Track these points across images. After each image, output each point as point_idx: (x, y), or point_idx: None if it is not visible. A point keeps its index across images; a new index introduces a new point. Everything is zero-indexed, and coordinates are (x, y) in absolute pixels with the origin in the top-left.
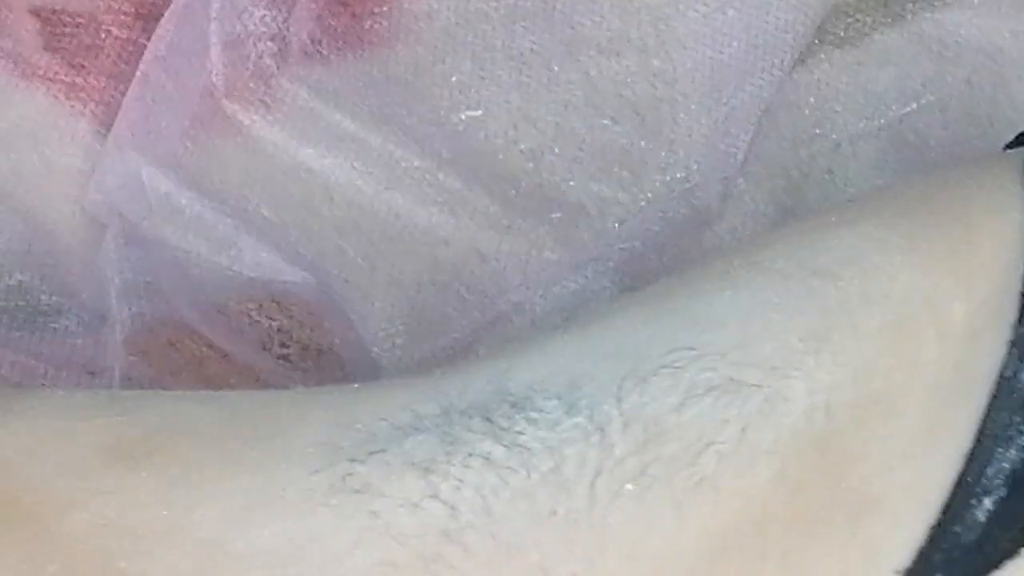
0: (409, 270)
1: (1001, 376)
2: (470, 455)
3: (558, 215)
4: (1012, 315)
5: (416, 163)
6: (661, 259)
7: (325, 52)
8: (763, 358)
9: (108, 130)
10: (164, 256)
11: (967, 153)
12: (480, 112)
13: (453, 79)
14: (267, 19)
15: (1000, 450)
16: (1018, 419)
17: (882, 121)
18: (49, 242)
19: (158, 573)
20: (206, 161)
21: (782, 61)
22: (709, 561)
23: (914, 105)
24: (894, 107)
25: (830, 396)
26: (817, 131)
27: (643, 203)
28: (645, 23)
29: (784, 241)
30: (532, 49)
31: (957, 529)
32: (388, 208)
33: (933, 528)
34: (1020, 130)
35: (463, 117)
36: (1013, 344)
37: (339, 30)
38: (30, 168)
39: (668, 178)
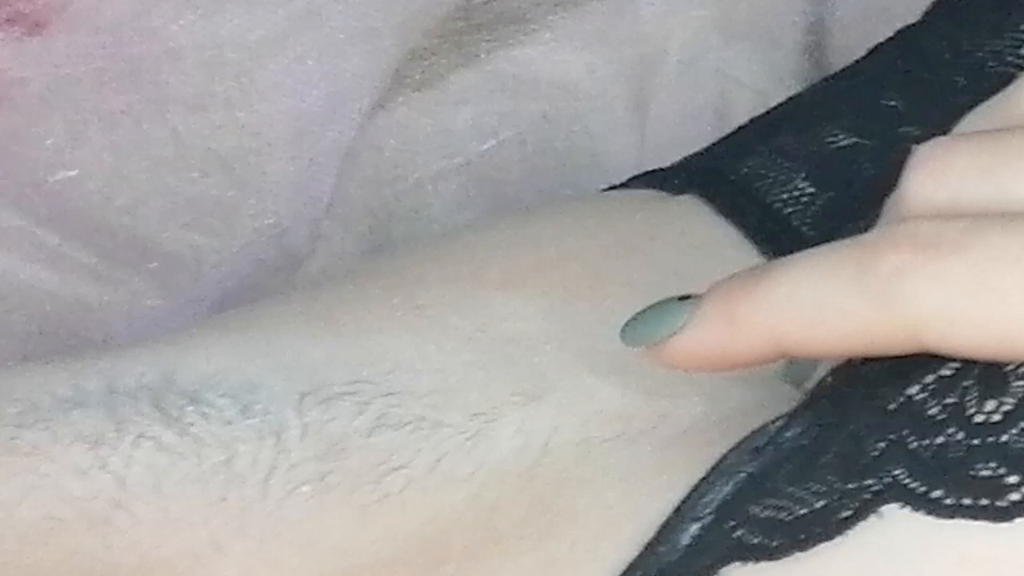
0: (19, 323)
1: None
2: (140, 436)
3: (155, 264)
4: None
5: (16, 223)
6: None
7: None
8: (466, 405)
9: None
10: None
11: (547, 186)
12: (75, 172)
13: (48, 142)
14: None
15: (719, 484)
16: (747, 458)
17: (462, 159)
18: None
19: None
20: None
21: (361, 106)
22: (388, 562)
23: (493, 142)
24: (473, 144)
25: (550, 437)
26: (399, 171)
27: (235, 249)
28: (229, 78)
29: (442, 289)
30: (122, 110)
31: (661, 550)
32: None
33: (641, 549)
34: (597, 160)
35: (59, 177)
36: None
37: None
38: None
39: (259, 224)
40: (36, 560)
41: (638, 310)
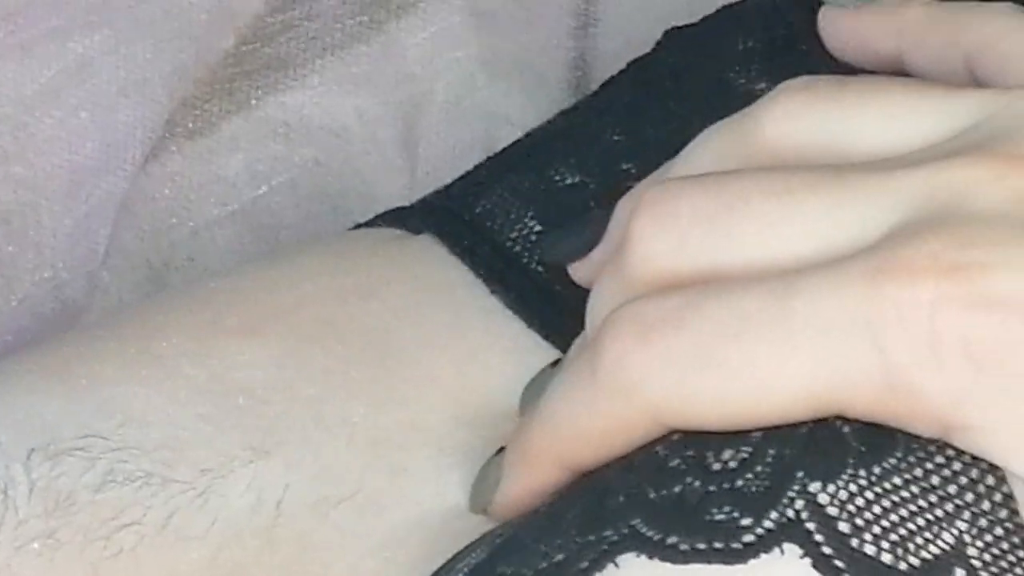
0: None
1: None
2: None
3: None
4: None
5: None
6: None
7: None
8: (195, 460)
9: None
10: None
11: (321, 230)
12: None
13: None
14: None
15: (476, 551)
16: (499, 531)
17: (236, 205)
18: None
19: None
20: None
21: (134, 156)
22: None
23: (266, 187)
24: (246, 191)
25: (284, 494)
26: (174, 220)
27: (14, 303)
28: (4, 132)
29: (180, 338)
30: None
31: None
32: None
33: None
34: (370, 203)
35: None
36: None
37: None
38: None
39: (36, 278)
40: None
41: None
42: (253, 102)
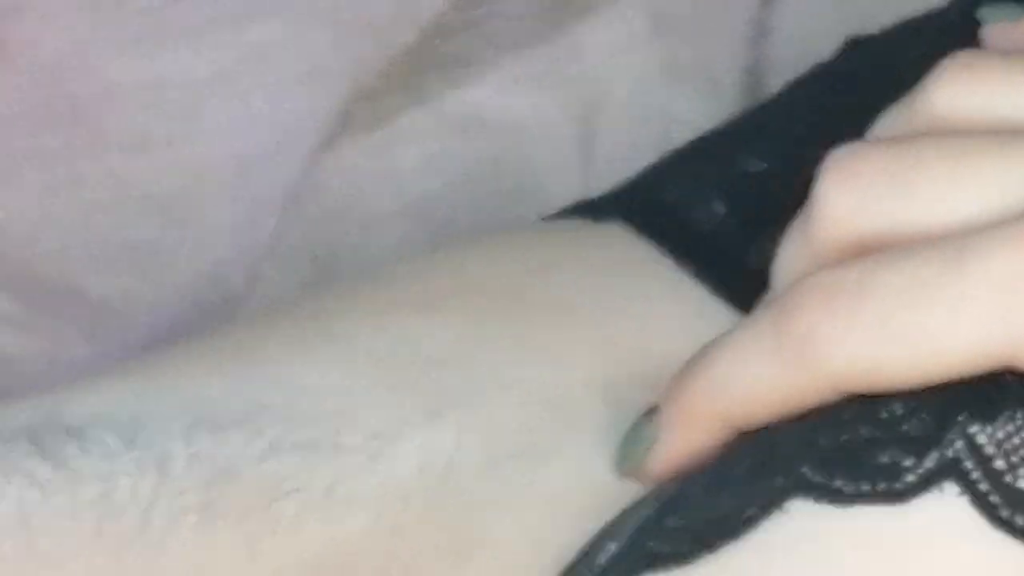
0: None
1: None
2: (13, 471)
3: (83, 311)
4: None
5: None
6: None
7: None
8: (366, 426)
9: None
10: None
11: (493, 226)
12: (1, 214)
13: None
14: None
15: (644, 507)
16: (667, 487)
17: (408, 199)
18: None
19: None
20: None
21: (306, 147)
22: None
23: (439, 182)
24: (420, 184)
25: (453, 455)
26: (344, 212)
27: (171, 293)
28: (171, 117)
29: (357, 317)
30: (57, 149)
31: (578, 569)
32: None
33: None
34: (543, 200)
35: None
36: None
37: None
38: None
39: (196, 267)
40: None
41: (620, 440)
42: (432, 97)
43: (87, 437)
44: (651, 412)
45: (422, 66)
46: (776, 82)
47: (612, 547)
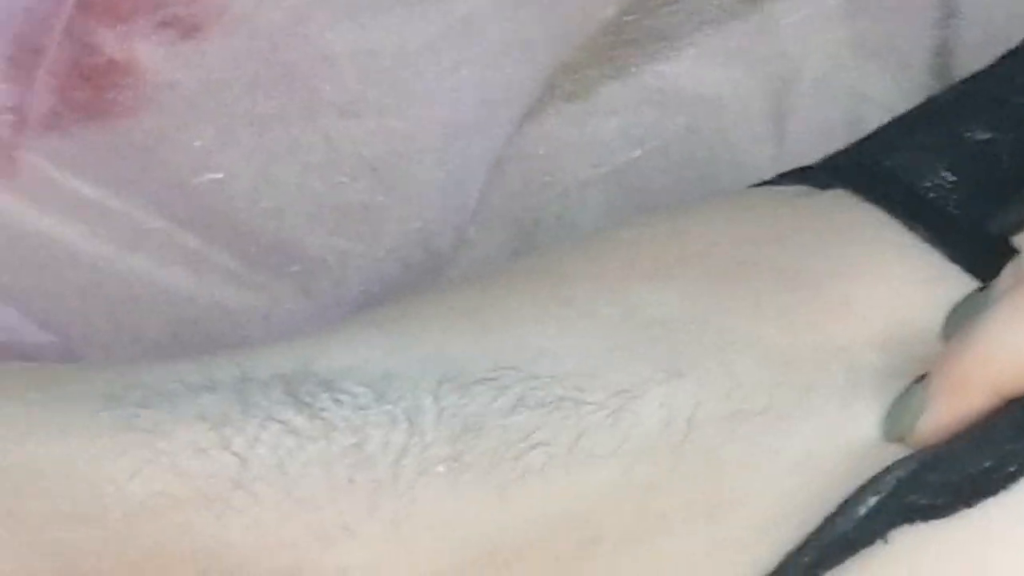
0: (152, 328)
1: None
2: (268, 419)
3: (297, 268)
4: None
5: (157, 225)
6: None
7: (66, 123)
8: (608, 383)
9: None
10: None
11: (689, 195)
12: (222, 175)
13: (196, 144)
14: (5, 93)
15: (906, 463)
16: (926, 449)
17: (608, 168)
18: None
19: None
20: None
21: (511, 115)
22: (533, 543)
23: (638, 151)
24: (619, 154)
25: (695, 412)
26: (547, 179)
27: (381, 253)
28: (383, 85)
29: (590, 283)
30: (273, 114)
31: (837, 521)
32: (130, 270)
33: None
34: (737, 172)
35: (205, 180)
36: None
37: (81, 101)
38: None
39: (405, 228)
40: (145, 536)
41: (889, 406)
42: (631, 69)
43: (339, 389)
44: (921, 380)
45: (622, 40)
46: (965, 63)
47: (872, 500)
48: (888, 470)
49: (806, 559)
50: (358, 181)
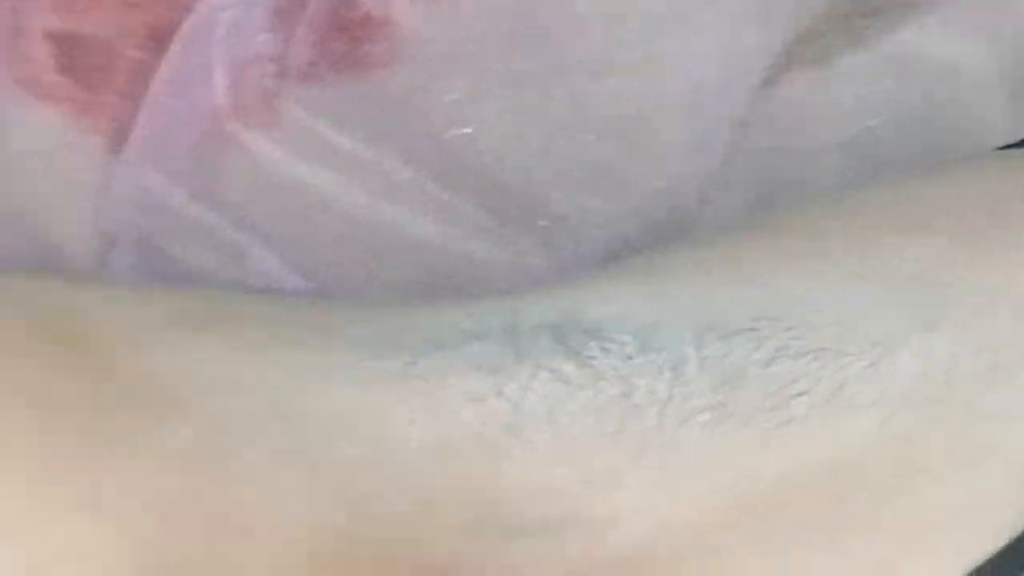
0: (403, 277)
1: None
2: (538, 367)
3: (543, 224)
4: None
5: (409, 176)
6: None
7: (324, 74)
8: (865, 335)
9: (120, 147)
10: (174, 268)
11: (925, 163)
12: (471, 130)
13: (447, 99)
14: (268, 43)
15: None
16: None
17: (845, 135)
18: (60, 259)
19: (211, 416)
20: (211, 177)
21: (753, 81)
22: (794, 489)
23: (875, 120)
24: (857, 121)
25: (952, 364)
26: (787, 144)
27: (624, 211)
28: (630, 47)
29: (842, 237)
30: (525, 72)
31: None
32: (382, 220)
33: None
34: (974, 141)
35: (455, 134)
36: None
37: (338, 53)
38: (43, 187)
39: (648, 188)
40: (425, 482)
41: None
42: (871, 38)
43: (606, 337)
44: None
45: (862, 11)
46: None
47: None
48: None
49: None
50: (604, 140)
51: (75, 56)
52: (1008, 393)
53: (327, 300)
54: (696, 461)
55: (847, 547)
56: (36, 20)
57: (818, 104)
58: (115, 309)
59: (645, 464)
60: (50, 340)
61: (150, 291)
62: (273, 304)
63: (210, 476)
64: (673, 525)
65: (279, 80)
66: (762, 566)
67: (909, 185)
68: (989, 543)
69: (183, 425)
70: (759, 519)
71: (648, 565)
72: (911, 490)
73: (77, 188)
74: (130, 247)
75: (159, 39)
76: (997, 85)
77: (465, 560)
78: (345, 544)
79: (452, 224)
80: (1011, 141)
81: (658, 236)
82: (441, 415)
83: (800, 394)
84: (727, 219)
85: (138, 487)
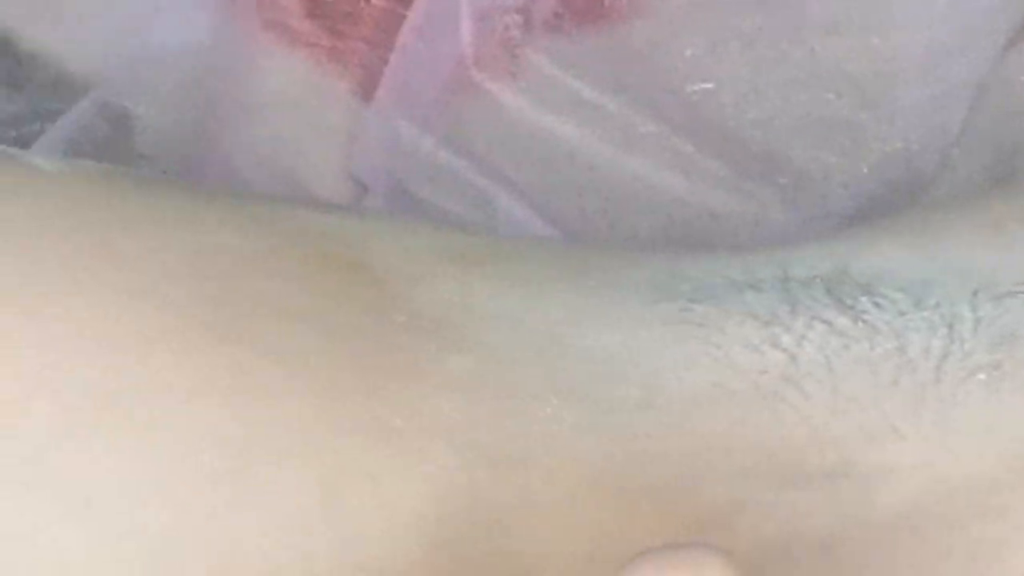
0: (644, 227)
1: None
2: (813, 318)
3: (784, 179)
4: None
5: (651, 129)
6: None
7: (567, 25)
8: None
9: (367, 92)
10: (423, 214)
11: None
12: (712, 85)
13: (687, 53)
14: None
15: None
16: None
17: None
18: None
19: (492, 347)
20: (457, 125)
21: (994, 42)
22: None
23: None
24: None
25: None
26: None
27: (864, 170)
28: (866, 5)
29: None
30: (761, 28)
31: None
32: (624, 170)
33: None
34: None
35: (696, 88)
36: None
37: (580, 6)
38: (292, 131)
39: (887, 148)
40: (702, 426)
41: None
42: None
43: (878, 293)
44: None
45: None
46: None
47: None
48: None
49: None
50: (842, 98)
51: (323, 2)
52: None
53: (597, 245)
54: (974, 419)
55: None
56: None
57: None
58: (389, 241)
59: (923, 418)
60: (330, 269)
61: (418, 227)
62: (543, 247)
63: (492, 405)
64: (952, 481)
65: (524, 31)
66: None
67: None
68: None
69: (464, 355)
70: None
71: (923, 524)
72: None
73: (328, 134)
74: (382, 193)
75: None
76: None
77: (746, 505)
78: (625, 483)
79: (694, 177)
80: None
81: (898, 196)
82: (719, 361)
83: None
84: (966, 181)
85: (422, 412)
